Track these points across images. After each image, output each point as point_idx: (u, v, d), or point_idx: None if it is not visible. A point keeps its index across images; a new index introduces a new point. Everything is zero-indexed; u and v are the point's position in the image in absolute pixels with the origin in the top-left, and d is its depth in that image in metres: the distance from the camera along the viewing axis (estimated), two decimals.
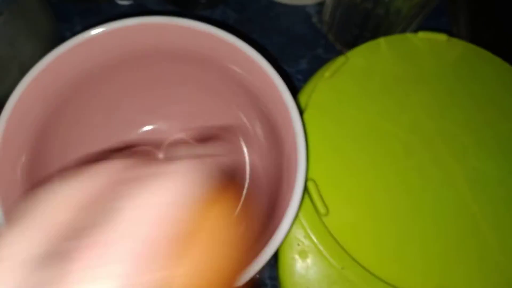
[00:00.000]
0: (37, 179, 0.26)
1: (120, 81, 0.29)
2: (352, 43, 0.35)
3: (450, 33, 0.31)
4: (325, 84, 0.29)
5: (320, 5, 0.39)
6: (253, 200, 0.31)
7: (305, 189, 0.27)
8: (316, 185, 0.26)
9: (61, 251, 0.10)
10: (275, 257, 0.29)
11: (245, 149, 0.32)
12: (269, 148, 0.29)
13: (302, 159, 0.24)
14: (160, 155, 0.32)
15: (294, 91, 0.32)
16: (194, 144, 0.32)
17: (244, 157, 0.32)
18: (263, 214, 0.28)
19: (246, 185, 0.32)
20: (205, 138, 0.32)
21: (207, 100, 0.31)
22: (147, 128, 0.33)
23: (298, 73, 0.37)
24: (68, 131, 0.28)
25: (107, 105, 0.30)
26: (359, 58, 0.30)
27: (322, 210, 0.26)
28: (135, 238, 0.11)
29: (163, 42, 0.27)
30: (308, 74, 0.36)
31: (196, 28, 0.26)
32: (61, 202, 0.12)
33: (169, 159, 0.32)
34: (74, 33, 0.24)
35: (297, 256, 0.27)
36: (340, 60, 0.30)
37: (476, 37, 0.36)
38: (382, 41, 0.30)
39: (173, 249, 0.12)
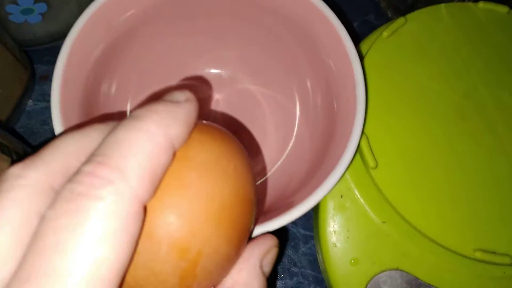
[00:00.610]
0: (93, 113, 0.26)
1: (183, 21, 0.29)
2: (405, 11, 0.35)
3: (510, 6, 0.31)
4: (383, 43, 0.29)
5: None
6: (296, 157, 0.31)
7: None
8: (367, 139, 0.27)
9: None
10: (315, 208, 0.29)
11: (297, 112, 0.32)
12: (323, 106, 0.29)
13: (361, 110, 0.24)
14: (215, 99, 0.32)
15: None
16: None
17: (294, 120, 0.32)
18: (304, 170, 0.28)
19: (290, 144, 0.32)
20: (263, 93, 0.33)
21: (270, 55, 0.31)
22: (206, 71, 0.33)
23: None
24: (127, 68, 0.29)
25: (169, 46, 0.30)
26: (418, 21, 0.30)
27: (371, 163, 0.26)
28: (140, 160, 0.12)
29: None
30: (358, 38, 0.36)
31: None
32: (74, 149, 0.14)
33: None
34: None
35: (337, 208, 0.28)
36: (399, 21, 0.30)
37: None
38: (442, 7, 0.30)
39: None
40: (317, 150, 0.28)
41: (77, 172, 0.11)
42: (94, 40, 0.25)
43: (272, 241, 0.17)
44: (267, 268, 0.16)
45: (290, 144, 0.32)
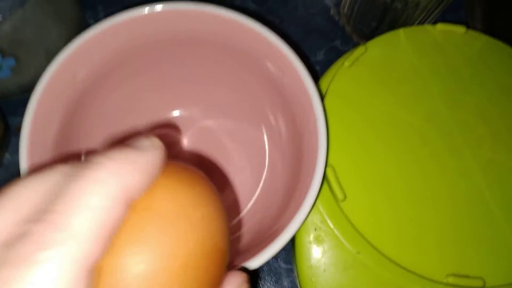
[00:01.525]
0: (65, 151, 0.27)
1: (147, 67, 0.30)
2: (369, 35, 0.36)
3: (467, 26, 0.31)
4: (345, 73, 0.30)
5: None
6: (270, 188, 0.32)
7: (324, 175, 0.27)
8: (335, 171, 0.27)
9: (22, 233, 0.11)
10: (291, 242, 0.30)
11: (266, 140, 0.33)
12: (289, 138, 0.30)
13: (323, 143, 0.24)
14: (184, 141, 0.33)
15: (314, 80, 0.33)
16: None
17: (264, 149, 0.33)
18: (279, 201, 0.29)
19: (264, 175, 0.33)
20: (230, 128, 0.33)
21: (233, 91, 0.32)
22: (173, 113, 0.34)
23: (315, 63, 0.37)
24: (95, 114, 0.29)
25: (135, 91, 0.31)
26: (378, 48, 0.30)
27: (340, 195, 0.26)
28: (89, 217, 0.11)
29: (188, 29, 0.28)
30: (326, 65, 0.37)
31: (220, 14, 0.26)
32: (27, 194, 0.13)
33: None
34: (98, 21, 0.25)
35: (313, 241, 0.28)
36: (360, 50, 0.30)
37: (492, 31, 0.36)
38: (401, 32, 0.31)
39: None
40: (288, 183, 0.29)
41: (21, 232, 0.11)
42: (60, 92, 0.26)
43: (241, 278, 0.16)
44: None
45: (263, 177, 0.32)
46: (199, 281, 0.14)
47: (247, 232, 0.30)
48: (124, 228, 0.12)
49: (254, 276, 0.32)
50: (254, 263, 0.22)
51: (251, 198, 0.32)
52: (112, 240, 0.12)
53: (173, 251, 0.13)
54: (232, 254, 0.25)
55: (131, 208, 0.13)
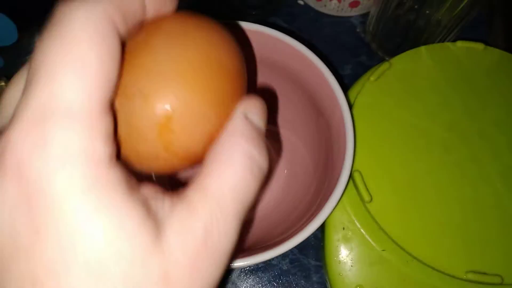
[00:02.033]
0: None
1: None
2: (394, 51, 0.39)
3: (487, 43, 0.34)
4: (371, 86, 0.32)
5: (364, 16, 0.42)
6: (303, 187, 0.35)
7: (352, 179, 0.30)
8: (361, 175, 0.29)
9: None
10: (321, 240, 0.32)
11: (300, 143, 0.36)
12: (321, 144, 0.33)
13: (350, 149, 0.27)
14: None
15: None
16: None
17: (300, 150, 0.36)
18: (309, 197, 0.31)
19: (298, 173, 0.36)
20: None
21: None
22: None
23: (343, 77, 0.40)
24: None
25: None
26: (402, 64, 0.33)
27: (366, 197, 0.29)
28: None
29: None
30: (353, 79, 0.39)
31: (258, 30, 0.29)
32: None
33: None
34: None
35: (341, 239, 0.30)
36: (385, 65, 0.33)
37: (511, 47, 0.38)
38: (423, 49, 0.33)
39: None
40: (317, 186, 0.31)
41: None
42: None
43: (256, 99, 0.17)
44: (255, 118, 0.16)
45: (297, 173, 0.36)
46: (207, 85, 0.15)
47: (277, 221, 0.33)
48: (134, 44, 0.15)
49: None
50: (291, 243, 0.25)
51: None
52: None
53: (178, 56, 0.14)
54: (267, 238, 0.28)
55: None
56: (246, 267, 0.35)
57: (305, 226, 0.26)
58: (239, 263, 0.25)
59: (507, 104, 0.32)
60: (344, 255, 0.30)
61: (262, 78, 0.34)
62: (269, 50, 0.31)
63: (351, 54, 0.41)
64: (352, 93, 0.34)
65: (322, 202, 0.27)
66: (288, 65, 0.31)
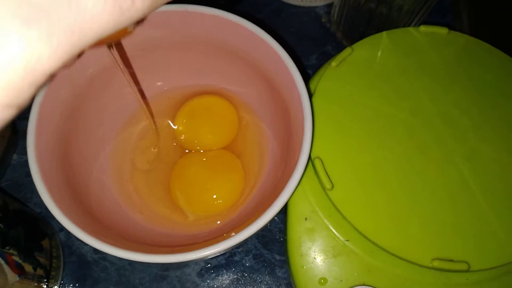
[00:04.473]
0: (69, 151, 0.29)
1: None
2: (358, 40, 0.38)
3: (453, 28, 0.33)
4: (332, 72, 0.31)
5: (329, 6, 0.41)
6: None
7: (312, 167, 0.29)
8: (322, 162, 0.28)
9: None
10: (284, 233, 0.31)
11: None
12: (285, 132, 0.31)
13: (308, 135, 0.26)
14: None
15: (305, 81, 0.34)
16: None
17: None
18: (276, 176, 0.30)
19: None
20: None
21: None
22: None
23: (308, 67, 0.39)
24: (95, 109, 0.31)
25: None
26: (363, 50, 0.32)
27: (327, 185, 0.28)
28: None
29: (193, 32, 0.30)
30: (318, 68, 0.38)
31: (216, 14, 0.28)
32: None
33: None
34: None
35: (304, 230, 0.29)
36: (346, 51, 0.32)
37: (478, 33, 0.38)
38: (384, 35, 0.32)
39: None
40: (280, 173, 0.30)
41: None
42: (60, 94, 0.28)
43: None
44: None
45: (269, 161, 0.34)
46: None
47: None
48: None
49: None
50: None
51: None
52: None
53: None
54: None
55: None
56: (207, 264, 0.33)
57: (259, 217, 0.25)
58: (195, 255, 0.23)
59: (471, 88, 0.31)
60: (306, 248, 0.29)
61: (225, 65, 0.33)
62: (230, 36, 0.30)
63: (316, 44, 0.40)
64: (314, 80, 0.33)
65: (278, 191, 0.25)
66: (248, 52, 0.30)
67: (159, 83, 0.35)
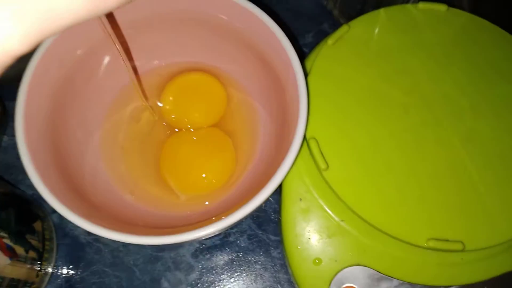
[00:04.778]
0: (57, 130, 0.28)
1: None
2: (356, 17, 0.37)
3: (453, 4, 0.32)
4: (328, 51, 0.31)
5: None
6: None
7: (307, 147, 0.28)
8: (317, 142, 0.28)
9: None
10: (279, 214, 0.31)
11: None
12: (279, 112, 0.31)
13: (303, 115, 0.26)
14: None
15: (301, 61, 0.34)
16: None
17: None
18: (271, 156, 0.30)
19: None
20: None
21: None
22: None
23: (304, 46, 0.39)
24: (82, 90, 0.30)
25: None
26: (360, 27, 0.31)
27: (322, 165, 0.27)
28: None
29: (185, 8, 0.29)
30: (314, 47, 0.37)
31: None
32: None
33: None
34: None
35: (298, 210, 0.29)
36: (343, 29, 0.31)
37: (478, 10, 0.37)
38: (382, 12, 0.32)
39: None
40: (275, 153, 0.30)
41: None
42: (49, 75, 0.27)
43: None
44: None
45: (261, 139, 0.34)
46: None
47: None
48: None
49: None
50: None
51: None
52: None
53: None
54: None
55: None
56: (202, 245, 0.33)
57: (252, 197, 0.24)
58: (188, 236, 0.23)
59: (470, 66, 0.30)
60: (301, 228, 0.28)
61: (218, 42, 0.32)
62: (223, 13, 0.29)
63: (313, 22, 0.39)
64: (310, 58, 0.32)
65: (272, 172, 0.25)
66: (241, 29, 0.30)
67: (148, 61, 0.34)
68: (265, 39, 0.29)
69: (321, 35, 0.39)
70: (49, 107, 0.27)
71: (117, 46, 0.26)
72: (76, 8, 0.12)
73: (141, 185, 0.32)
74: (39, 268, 0.30)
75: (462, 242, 0.26)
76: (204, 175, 0.32)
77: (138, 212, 0.31)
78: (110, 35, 0.25)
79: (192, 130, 0.34)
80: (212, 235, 0.25)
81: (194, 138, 0.33)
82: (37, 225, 0.31)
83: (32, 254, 0.29)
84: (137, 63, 0.33)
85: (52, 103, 0.28)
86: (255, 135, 0.34)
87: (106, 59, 0.31)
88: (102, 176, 0.31)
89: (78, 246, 0.33)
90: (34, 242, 0.30)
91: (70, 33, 0.27)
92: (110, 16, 0.28)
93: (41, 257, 0.30)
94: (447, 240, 0.26)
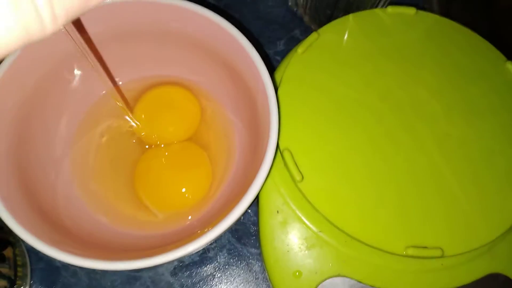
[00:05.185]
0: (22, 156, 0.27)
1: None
2: (326, 23, 0.37)
3: (423, 8, 0.32)
4: (298, 60, 0.30)
5: None
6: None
7: (282, 159, 0.28)
8: (291, 154, 0.27)
9: None
10: (257, 226, 0.30)
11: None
12: (250, 116, 0.30)
13: (274, 128, 0.25)
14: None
15: (272, 70, 0.33)
16: None
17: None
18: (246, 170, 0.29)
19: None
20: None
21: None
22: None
23: (276, 54, 0.38)
24: (46, 113, 0.30)
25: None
26: (330, 34, 0.31)
27: (297, 176, 0.27)
28: None
29: (151, 20, 0.28)
30: (286, 55, 0.37)
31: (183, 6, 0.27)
32: None
33: None
34: None
35: (276, 223, 0.28)
36: (312, 36, 0.31)
37: (448, 12, 0.37)
38: (350, 17, 0.31)
39: None
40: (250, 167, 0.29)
41: None
42: (9, 100, 0.26)
43: None
44: None
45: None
46: None
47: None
48: None
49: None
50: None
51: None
52: None
53: None
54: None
55: None
56: (180, 262, 0.32)
57: (229, 212, 0.24)
58: (164, 258, 0.22)
59: (441, 69, 0.30)
60: (280, 241, 0.28)
61: (186, 55, 0.31)
62: (189, 26, 0.28)
63: (284, 29, 0.39)
64: (281, 68, 0.32)
65: (248, 184, 0.25)
66: (209, 41, 0.29)
67: (116, 76, 0.33)
68: (232, 50, 0.28)
69: (293, 42, 0.39)
70: (11, 132, 0.26)
71: (90, 60, 0.25)
72: (7, 40, 0.11)
73: (116, 206, 0.31)
74: None
75: (441, 248, 0.25)
76: (179, 192, 0.31)
77: (114, 235, 0.30)
78: (81, 49, 0.25)
79: (166, 145, 0.33)
80: (189, 254, 0.24)
81: (169, 154, 0.33)
82: (8, 252, 0.30)
83: (3, 283, 0.28)
84: (103, 80, 0.32)
85: (14, 127, 0.27)
86: (231, 148, 0.33)
87: (71, 79, 0.30)
88: (76, 201, 0.30)
89: (54, 270, 0.32)
90: (4, 270, 0.29)
91: (28, 57, 0.26)
92: (78, 29, 0.27)
93: (13, 285, 0.29)
94: (426, 247, 0.26)
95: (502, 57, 0.31)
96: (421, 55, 0.31)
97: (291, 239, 0.28)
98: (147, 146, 0.33)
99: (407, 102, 0.29)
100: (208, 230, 0.23)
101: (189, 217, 0.31)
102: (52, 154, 0.30)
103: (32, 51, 0.26)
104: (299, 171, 0.27)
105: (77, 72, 0.30)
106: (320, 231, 0.28)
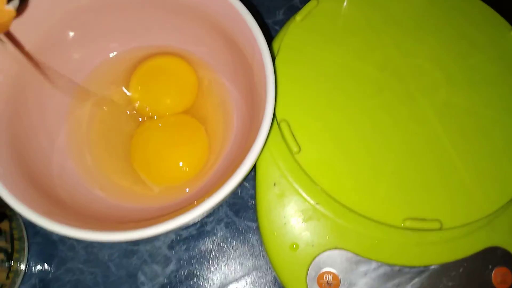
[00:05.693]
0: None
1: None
2: None
3: None
4: (296, 27, 0.29)
5: None
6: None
7: (279, 129, 0.27)
8: (289, 125, 0.27)
9: None
10: (255, 199, 0.30)
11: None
12: (248, 87, 0.30)
13: (271, 97, 0.24)
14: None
15: (271, 40, 0.32)
16: None
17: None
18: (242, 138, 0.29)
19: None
20: None
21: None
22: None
23: (275, 24, 0.37)
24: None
25: None
26: (329, 1, 0.30)
27: (294, 148, 0.26)
28: None
29: None
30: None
31: None
32: None
33: None
34: None
35: (273, 195, 0.28)
36: (311, 4, 0.30)
37: None
38: None
39: None
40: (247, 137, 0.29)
41: None
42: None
43: None
44: None
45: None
46: None
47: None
48: None
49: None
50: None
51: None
52: None
53: None
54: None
55: None
56: (177, 236, 0.32)
57: (223, 184, 0.23)
58: (160, 228, 0.22)
59: (444, 37, 0.29)
60: (276, 213, 0.28)
61: (183, 24, 0.31)
62: None
63: None
64: (279, 37, 0.31)
65: (244, 155, 0.24)
66: (205, 8, 0.28)
67: (111, 45, 0.32)
68: (230, 18, 0.27)
69: (292, 11, 0.37)
70: (4, 109, 0.26)
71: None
72: None
73: (111, 180, 0.30)
74: (9, 269, 0.29)
75: (439, 221, 0.25)
76: (177, 166, 0.31)
77: (111, 207, 0.30)
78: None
79: (162, 118, 0.32)
80: (185, 226, 0.24)
81: (165, 127, 0.32)
82: (4, 225, 0.30)
83: None
84: (98, 49, 0.31)
85: (7, 105, 0.26)
86: (228, 120, 0.33)
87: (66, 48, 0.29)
88: (71, 173, 0.30)
89: (51, 244, 0.32)
90: (1, 243, 0.29)
91: (21, 27, 0.25)
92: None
93: (10, 258, 0.29)
94: (424, 219, 0.25)
95: (507, 25, 0.30)
96: (423, 23, 0.30)
97: (288, 212, 0.28)
98: (140, 119, 0.32)
99: (408, 71, 0.28)
100: (204, 200, 0.23)
101: (187, 190, 0.31)
102: (47, 125, 0.30)
103: (24, 19, 0.25)
104: (297, 142, 0.26)
105: (72, 40, 0.29)
106: (317, 204, 0.27)
